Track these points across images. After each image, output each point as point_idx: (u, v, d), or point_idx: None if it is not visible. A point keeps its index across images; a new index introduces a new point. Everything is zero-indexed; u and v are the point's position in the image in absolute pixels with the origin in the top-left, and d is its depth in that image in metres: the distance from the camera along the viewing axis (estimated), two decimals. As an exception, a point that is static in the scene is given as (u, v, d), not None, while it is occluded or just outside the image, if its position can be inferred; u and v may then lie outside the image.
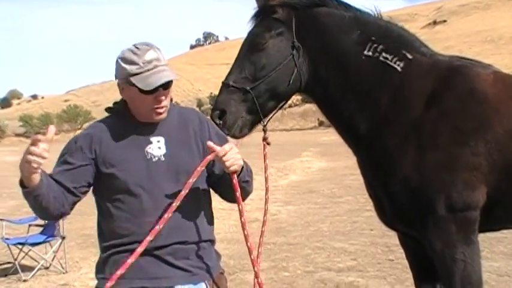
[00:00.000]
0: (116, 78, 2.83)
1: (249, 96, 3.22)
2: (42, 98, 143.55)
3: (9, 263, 8.13)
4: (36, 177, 2.63)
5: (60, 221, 7.80)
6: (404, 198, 3.20)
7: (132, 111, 2.84)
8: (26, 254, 7.94)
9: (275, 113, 3.49)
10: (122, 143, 2.79)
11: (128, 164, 2.72)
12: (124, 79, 2.75)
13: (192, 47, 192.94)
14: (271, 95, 3.30)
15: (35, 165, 2.53)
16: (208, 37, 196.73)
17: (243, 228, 2.85)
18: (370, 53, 3.28)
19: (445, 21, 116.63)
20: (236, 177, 2.75)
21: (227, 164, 2.69)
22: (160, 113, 2.79)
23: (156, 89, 2.71)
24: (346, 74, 3.29)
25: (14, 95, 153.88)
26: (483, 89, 3.25)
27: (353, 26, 3.31)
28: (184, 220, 2.74)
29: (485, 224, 3.22)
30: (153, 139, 2.81)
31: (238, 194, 2.76)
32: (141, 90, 2.71)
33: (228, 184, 2.79)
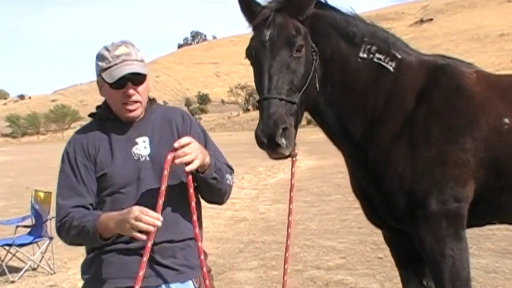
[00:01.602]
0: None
1: (295, 108, 2.98)
2: (29, 98, 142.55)
3: (-4, 264, 8.07)
4: None
5: (48, 222, 7.76)
6: (397, 195, 3.23)
7: (113, 111, 2.86)
8: (14, 255, 7.89)
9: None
10: (109, 146, 2.81)
11: (116, 167, 2.72)
12: (99, 76, 2.79)
13: (179, 46, 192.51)
14: (305, 105, 3.13)
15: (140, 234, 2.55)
16: (196, 36, 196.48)
17: (193, 227, 2.75)
18: (365, 55, 3.29)
19: (431, 19, 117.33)
20: (190, 174, 2.68)
21: (180, 160, 2.61)
22: (131, 110, 2.79)
23: (123, 84, 2.73)
24: (347, 77, 3.27)
25: (1, 95, 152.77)
26: (469, 87, 3.32)
27: (347, 28, 3.29)
28: (170, 219, 2.73)
29: (469, 220, 3.25)
30: (139, 140, 2.83)
31: (191, 190, 2.68)
32: (110, 86, 2.74)
33: (199, 183, 2.79)
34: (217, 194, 2.89)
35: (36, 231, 7.92)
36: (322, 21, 3.21)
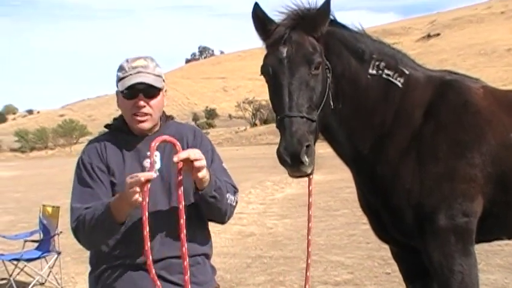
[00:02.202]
0: None
1: (314, 125, 2.96)
2: (38, 112, 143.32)
3: (4, 279, 8.06)
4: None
5: (56, 237, 7.77)
6: (405, 210, 3.23)
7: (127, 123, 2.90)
8: (22, 269, 7.89)
9: None
10: (120, 157, 2.86)
11: (124, 178, 2.74)
12: (117, 87, 2.86)
13: (187, 61, 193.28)
14: (321, 122, 3.09)
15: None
16: (203, 51, 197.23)
17: (181, 245, 2.70)
18: (374, 71, 3.29)
19: (438, 34, 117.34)
20: (180, 189, 2.67)
21: (196, 166, 2.61)
22: (141, 121, 2.83)
23: (135, 95, 2.78)
24: (357, 94, 3.26)
25: (10, 110, 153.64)
26: (476, 102, 3.33)
27: (356, 45, 3.29)
28: (175, 235, 2.72)
29: (477, 235, 3.24)
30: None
31: (181, 206, 2.66)
32: (123, 95, 2.81)
33: (198, 201, 2.80)
34: (217, 213, 2.89)
35: (44, 246, 7.93)
36: (333, 39, 3.21)
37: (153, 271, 2.57)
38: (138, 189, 2.50)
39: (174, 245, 2.73)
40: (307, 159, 2.81)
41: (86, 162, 2.86)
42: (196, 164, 2.61)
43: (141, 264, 2.70)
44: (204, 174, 2.66)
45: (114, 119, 3.03)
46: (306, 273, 3.17)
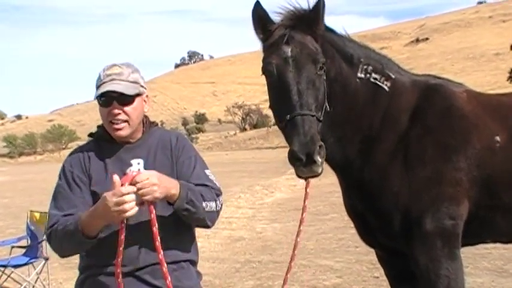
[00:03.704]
0: None
1: (320, 125, 2.95)
2: (27, 117, 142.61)
3: (-9, 285, 8.02)
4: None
5: (43, 242, 7.72)
6: (393, 214, 3.24)
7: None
8: (9, 276, 7.82)
9: None
10: (104, 166, 2.86)
11: (108, 186, 2.74)
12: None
13: (176, 65, 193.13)
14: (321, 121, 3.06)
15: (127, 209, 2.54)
16: (193, 56, 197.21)
17: (158, 252, 2.69)
18: (363, 75, 3.30)
19: (427, 38, 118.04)
20: (154, 210, 2.65)
21: (137, 193, 2.57)
22: (117, 129, 2.83)
23: (109, 103, 2.79)
24: (347, 97, 3.26)
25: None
26: (461, 106, 3.36)
27: (345, 49, 3.30)
28: (163, 242, 2.72)
29: (462, 238, 3.26)
30: (133, 161, 2.87)
31: (154, 228, 2.64)
32: (99, 103, 2.82)
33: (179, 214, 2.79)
34: (196, 221, 2.89)
35: (32, 251, 7.87)
36: (326, 42, 3.21)
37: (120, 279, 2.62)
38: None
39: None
40: (319, 159, 2.77)
41: (66, 171, 2.87)
42: (141, 192, 2.57)
43: (130, 271, 2.72)
44: (158, 195, 2.62)
45: (98, 127, 3.02)
46: (286, 274, 3.21)
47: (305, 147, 2.75)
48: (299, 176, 2.87)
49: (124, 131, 2.84)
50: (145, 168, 2.84)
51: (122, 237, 2.61)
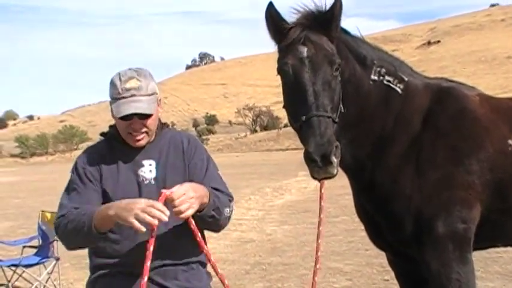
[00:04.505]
0: None
1: (335, 126, 2.93)
2: (38, 118, 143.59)
3: (2, 285, 8.05)
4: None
5: (55, 242, 7.76)
6: (404, 217, 3.22)
7: None
8: (20, 275, 7.87)
9: None
10: (116, 166, 2.87)
11: (120, 186, 2.76)
12: (110, 100, 2.86)
13: (188, 67, 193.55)
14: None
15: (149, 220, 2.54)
16: (204, 57, 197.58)
17: (216, 272, 2.80)
18: (376, 77, 3.28)
19: (439, 41, 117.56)
20: (193, 221, 2.71)
21: (176, 210, 2.60)
22: (138, 140, 2.84)
23: (130, 118, 2.78)
24: (360, 99, 3.24)
25: (10, 115, 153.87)
26: (473, 109, 3.34)
27: (358, 51, 3.28)
28: (174, 243, 2.77)
29: (473, 242, 3.24)
30: (145, 162, 2.87)
31: (198, 238, 2.72)
32: (113, 115, 2.82)
33: (199, 221, 2.80)
34: (213, 227, 2.95)
35: (43, 251, 7.92)
36: (340, 43, 3.18)
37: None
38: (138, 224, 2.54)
39: (171, 253, 2.78)
40: (335, 160, 2.76)
41: (79, 167, 2.89)
42: (178, 210, 2.60)
43: (136, 273, 2.70)
44: (191, 212, 2.65)
45: (110, 127, 3.03)
46: (314, 278, 3.20)
47: (321, 148, 2.74)
48: (314, 177, 2.85)
49: (143, 140, 2.86)
50: (157, 169, 2.86)
51: (152, 241, 2.59)
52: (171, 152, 2.94)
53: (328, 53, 2.98)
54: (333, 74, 2.96)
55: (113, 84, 2.83)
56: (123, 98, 2.78)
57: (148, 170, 2.85)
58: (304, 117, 2.84)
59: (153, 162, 2.87)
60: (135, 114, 2.77)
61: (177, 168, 2.89)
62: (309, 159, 2.76)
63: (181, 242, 2.81)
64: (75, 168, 2.91)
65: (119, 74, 2.84)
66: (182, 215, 2.61)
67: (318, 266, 3.19)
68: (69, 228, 2.72)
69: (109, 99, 2.88)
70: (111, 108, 2.84)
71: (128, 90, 2.78)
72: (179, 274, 2.80)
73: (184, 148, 2.97)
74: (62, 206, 2.84)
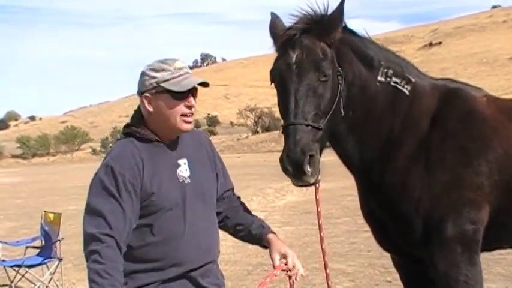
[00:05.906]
0: (139, 93, 2.77)
1: (320, 134, 2.92)
2: (40, 119, 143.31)
3: (5, 285, 8.06)
4: None
5: (57, 243, 7.77)
6: (413, 219, 3.22)
7: (156, 127, 2.76)
8: (23, 276, 7.88)
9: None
10: (156, 168, 2.72)
11: (163, 189, 2.69)
12: (153, 88, 2.71)
13: (189, 68, 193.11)
14: (329, 130, 3.04)
15: None
16: (205, 58, 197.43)
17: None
18: (383, 79, 3.28)
19: (440, 43, 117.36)
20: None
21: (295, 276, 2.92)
22: (189, 122, 2.78)
23: (186, 96, 2.73)
24: (367, 101, 3.24)
25: (11, 116, 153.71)
26: (481, 110, 3.34)
27: (365, 52, 3.27)
28: (211, 240, 2.81)
29: (481, 243, 3.23)
30: (180, 161, 2.80)
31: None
32: (173, 96, 2.70)
33: (247, 234, 3.01)
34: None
35: (46, 252, 7.93)
36: (344, 45, 3.18)
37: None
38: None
39: (211, 251, 2.83)
40: (309, 169, 2.78)
41: (117, 173, 2.58)
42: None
43: (184, 272, 2.72)
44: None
45: (128, 126, 2.82)
46: (327, 283, 3.29)
47: (293, 157, 2.77)
48: (294, 184, 2.92)
49: (191, 125, 2.81)
50: (190, 167, 2.81)
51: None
52: (195, 149, 2.90)
53: (317, 58, 2.96)
54: (319, 80, 2.94)
55: (159, 69, 2.72)
56: (180, 75, 2.72)
57: (184, 168, 2.79)
58: (283, 124, 2.90)
59: (186, 161, 2.82)
60: (190, 90, 2.73)
61: (205, 165, 2.90)
62: (282, 167, 2.82)
63: (215, 240, 2.86)
64: (112, 175, 2.58)
65: (159, 61, 2.76)
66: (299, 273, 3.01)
67: (327, 271, 3.23)
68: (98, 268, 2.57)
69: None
70: (155, 93, 2.70)
71: (180, 69, 2.74)
72: (212, 271, 2.84)
73: (207, 149, 2.97)
74: (87, 237, 2.54)
